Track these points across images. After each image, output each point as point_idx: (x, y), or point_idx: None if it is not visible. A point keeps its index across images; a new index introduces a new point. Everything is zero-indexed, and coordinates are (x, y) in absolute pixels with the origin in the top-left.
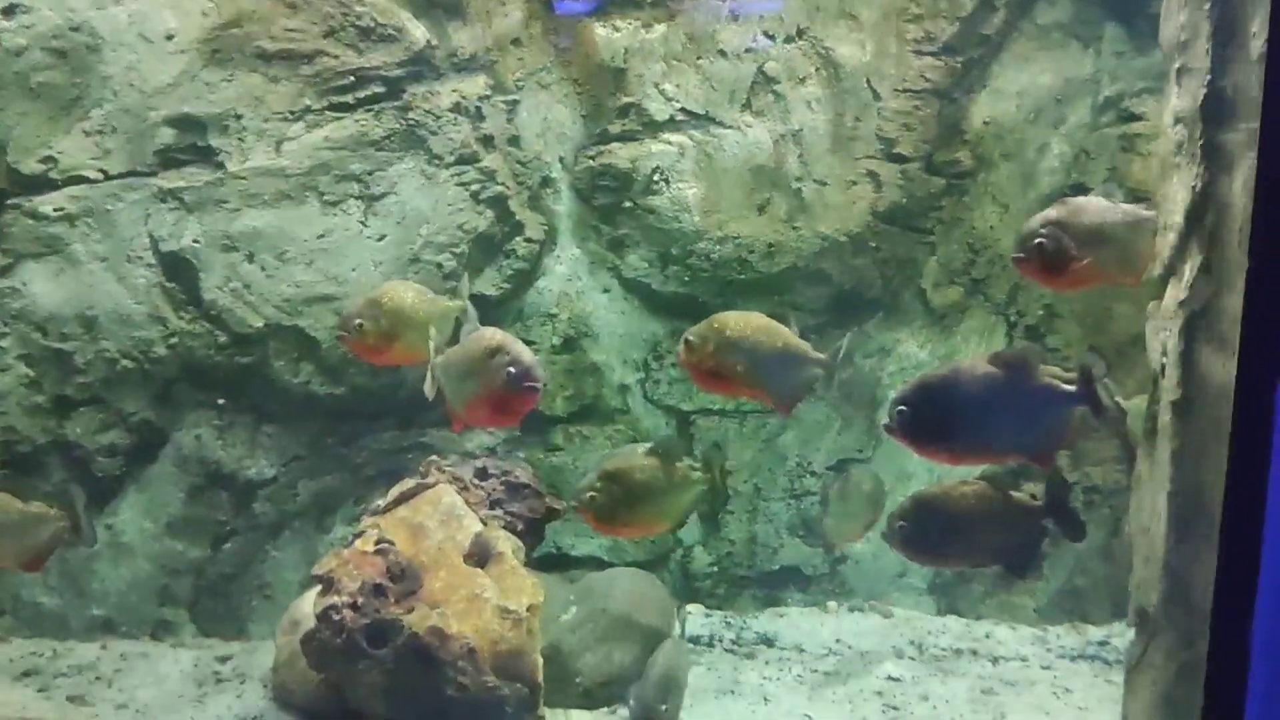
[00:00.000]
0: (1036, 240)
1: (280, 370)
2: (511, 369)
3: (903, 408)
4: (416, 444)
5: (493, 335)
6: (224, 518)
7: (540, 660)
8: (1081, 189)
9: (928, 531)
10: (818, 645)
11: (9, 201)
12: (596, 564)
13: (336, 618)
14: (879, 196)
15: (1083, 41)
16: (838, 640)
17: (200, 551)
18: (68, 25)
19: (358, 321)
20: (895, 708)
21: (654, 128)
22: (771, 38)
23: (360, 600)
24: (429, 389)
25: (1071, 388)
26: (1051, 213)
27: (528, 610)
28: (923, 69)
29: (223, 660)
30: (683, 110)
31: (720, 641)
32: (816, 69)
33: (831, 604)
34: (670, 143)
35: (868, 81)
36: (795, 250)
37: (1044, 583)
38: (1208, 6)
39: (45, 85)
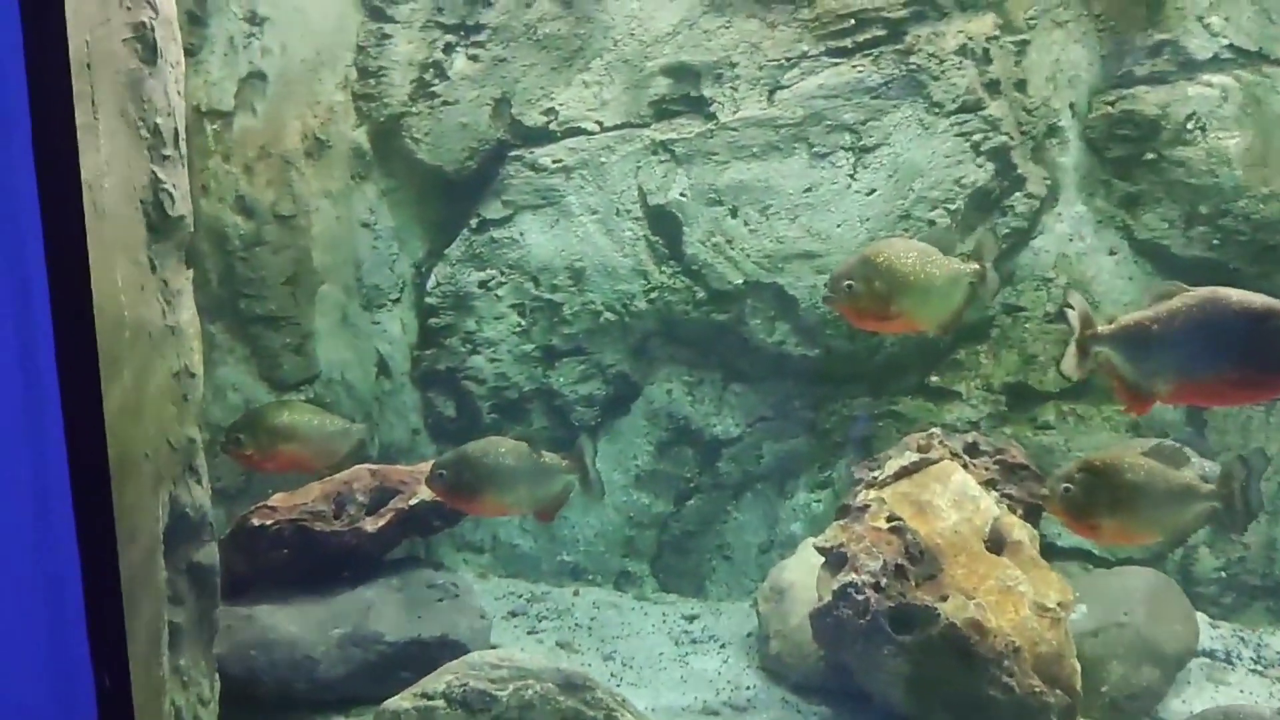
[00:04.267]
0: None
1: (755, 328)
2: None
3: None
4: (887, 412)
5: (1244, 296)
6: (689, 474)
7: (1079, 666)
8: None
9: None
10: None
11: (511, 153)
12: (1084, 557)
13: (859, 597)
14: None
15: None
16: None
17: (664, 506)
18: None
19: (847, 282)
20: None
21: (1192, 68)
22: None
23: (884, 581)
24: (1073, 367)
25: None
26: None
27: (1059, 607)
28: None
29: (689, 619)
30: (1230, 47)
31: (1240, 659)
32: None
33: None
34: (1211, 85)
35: None
36: None
37: None
38: None
39: (551, 36)
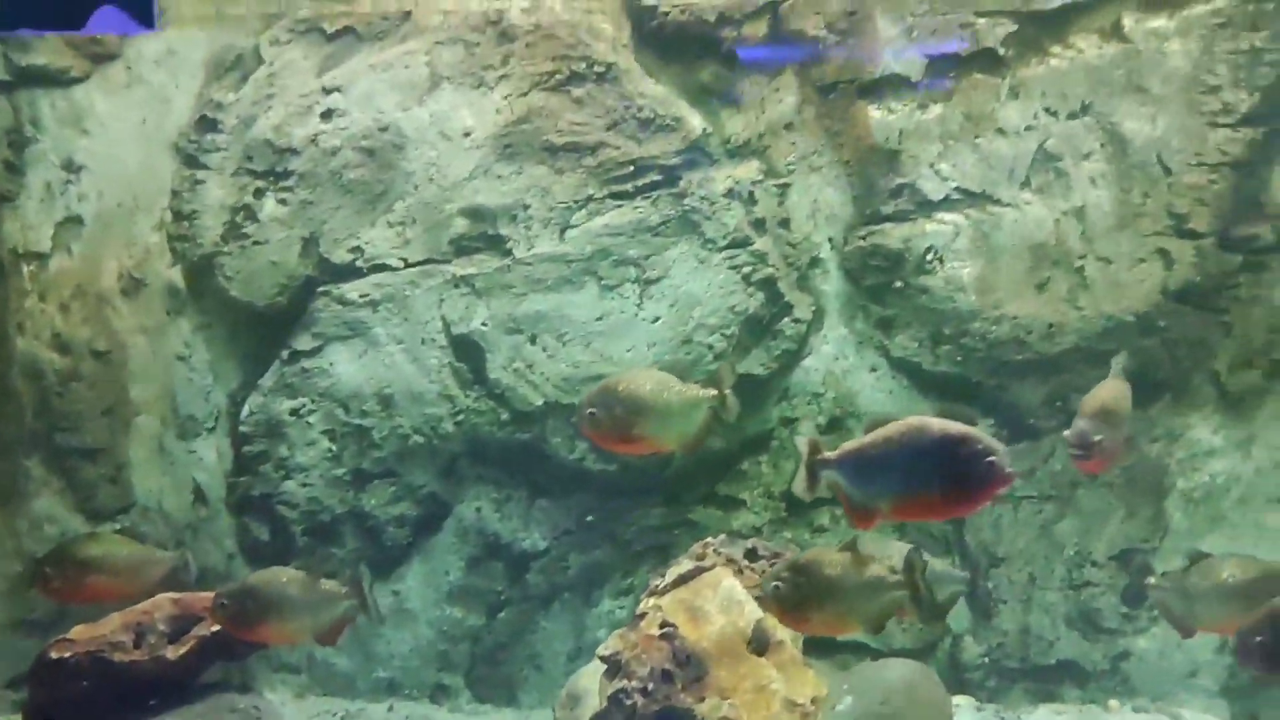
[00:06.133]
0: None
1: (556, 446)
2: (991, 459)
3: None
4: (684, 521)
5: (943, 424)
6: (499, 587)
7: None
8: None
9: None
10: None
11: (320, 289)
12: (863, 650)
13: (628, 702)
14: (1169, 274)
15: None
16: None
17: (477, 619)
18: (377, 126)
19: (590, 410)
20: None
21: (928, 207)
22: (1054, 114)
23: (650, 686)
24: (803, 489)
25: None
26: None
27: (811, 703)
28: (1219, 142)
29: None
30: (958, 189)
31: None
32: (1102, 144)
33: (1113, 703)
34: (945, 222)
35: (1158, 156)
36: (1078, 330)
37: None
38: None
39: (355, 181)
